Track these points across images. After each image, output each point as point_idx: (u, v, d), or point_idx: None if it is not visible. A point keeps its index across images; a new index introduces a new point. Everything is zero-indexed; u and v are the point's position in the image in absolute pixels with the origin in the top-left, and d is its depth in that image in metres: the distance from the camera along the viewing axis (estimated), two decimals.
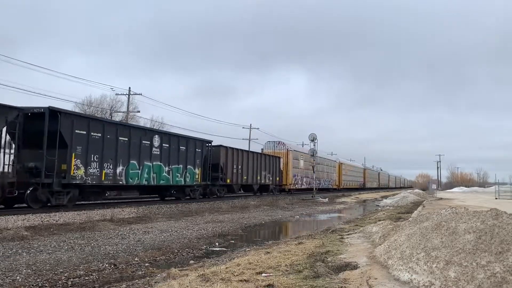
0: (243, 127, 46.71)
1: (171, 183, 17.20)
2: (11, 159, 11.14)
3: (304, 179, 35.02)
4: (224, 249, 7.70)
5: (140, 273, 5.57)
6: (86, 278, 5.16)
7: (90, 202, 14.45)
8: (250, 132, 46.49)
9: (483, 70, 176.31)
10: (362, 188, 59.47)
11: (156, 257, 6.60)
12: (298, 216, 15.17)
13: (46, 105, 12.07)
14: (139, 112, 35.76)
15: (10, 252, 6.38)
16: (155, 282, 4.81)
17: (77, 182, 12.42)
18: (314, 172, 30.56)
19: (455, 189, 70.24)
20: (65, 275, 5.20)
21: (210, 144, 20.57)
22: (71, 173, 12.11)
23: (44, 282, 4.85)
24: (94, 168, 13.04)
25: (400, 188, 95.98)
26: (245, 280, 4.19)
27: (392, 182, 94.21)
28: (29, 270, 5.29)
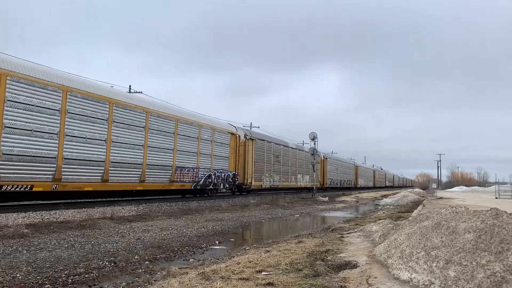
0: (243, 126, 46.64)
1: None
2: None
3: None
4: (224, 247, 7.70)
5: (140, 271, 5.57)
6: (86, 275, 5.17)
7: (90, 200, 14.54)
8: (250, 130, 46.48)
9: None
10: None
11: (156, 255, 6.60)
12: (298, 215, 15.18)
13: None
14: None
15: (10, 249, 6.38)
16: (155, 280, 4.81)
17: None
18: (314, 171, 30.57)
19: (455, 189, 70.34)
20: (65, 272, 5.20)
21: None
22: None
23: (44, 279, 4.85)
24: None
25: (400, 187, 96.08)
26: (245, 279, 4.19)
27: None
28: (29, 268, 5.30)
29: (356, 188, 55.65)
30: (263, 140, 27.02)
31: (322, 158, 41.45)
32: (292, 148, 33.00)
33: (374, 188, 68.38)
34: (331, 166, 45.30)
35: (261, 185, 25.93)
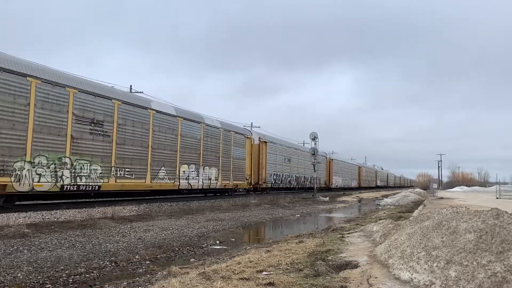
0: (244, 126, 46.63)
1: None
2: None
3: None
4: (225, 247, 7.70)
5: (140, 270, 5.58)
6: (87, 275, 5.17)
7: (91, 200, 14.58)
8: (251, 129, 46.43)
9: None
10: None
11: (157, 255, 6.61)
12: (298, 215, 15.18)
13: None
14: None
15: (11, 249, 6.39)
16: (155, 280, 4.81)
17: None
18: (315, 170, 30.56)
19: (456, 189, 70.38)
20: (66, 272, 5.21)
21: None
22: None
23: (45, 279, 4.86)
24: None
25: (401, 187, 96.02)
26: (245, 279, 4.19)
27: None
28: (30, 267, 5.31)
29: (329, 189, 41.59)
30: (23, 75, 10.74)
31: (256, 143, 25.96)
32: (162, 112, 16.78)
33: (359, 189, 54.30)
34: (275, 156, 28.29)
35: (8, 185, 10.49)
